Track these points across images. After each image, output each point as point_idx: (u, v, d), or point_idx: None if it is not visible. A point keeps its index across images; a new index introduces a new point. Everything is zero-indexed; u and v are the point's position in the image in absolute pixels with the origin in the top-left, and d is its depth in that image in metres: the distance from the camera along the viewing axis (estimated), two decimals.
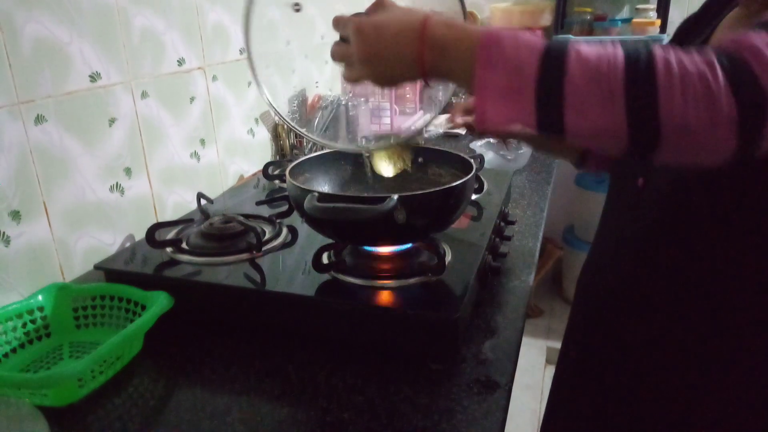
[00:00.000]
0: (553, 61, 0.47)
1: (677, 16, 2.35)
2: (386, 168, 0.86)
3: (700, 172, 0.58)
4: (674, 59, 0.45)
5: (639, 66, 0.45)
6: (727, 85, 0.44)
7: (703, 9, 0.72)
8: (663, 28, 2.15)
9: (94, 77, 0.93)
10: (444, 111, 2.13)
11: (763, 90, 0.44)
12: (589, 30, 2.28)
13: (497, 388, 0.67)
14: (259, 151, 1.44)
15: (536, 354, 2.28)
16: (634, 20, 2.18)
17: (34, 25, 0.82)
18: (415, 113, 2.03)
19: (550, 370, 2.25)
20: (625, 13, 2.35)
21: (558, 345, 2.52)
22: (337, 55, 0.60)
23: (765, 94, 0.44)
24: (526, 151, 1.48)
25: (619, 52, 0.46)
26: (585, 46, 0.47)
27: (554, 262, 2.56)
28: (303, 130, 0.86)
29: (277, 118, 0.82)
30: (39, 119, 0.84)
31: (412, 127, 1.84)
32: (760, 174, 0.55)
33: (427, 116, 1.96)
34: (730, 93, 0.44)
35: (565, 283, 2.62)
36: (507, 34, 0.49)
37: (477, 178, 0.98)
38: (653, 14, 2.19)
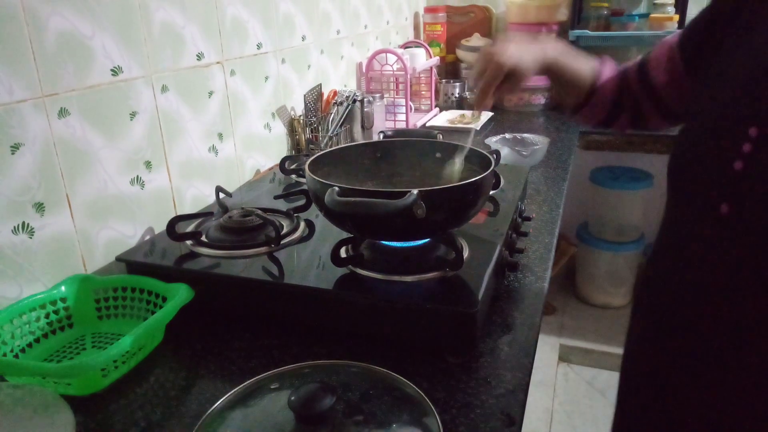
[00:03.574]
0: None
1: (696, 11, 2.33)
2: None
3: None
4: None
5: None
6: None
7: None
8: (681, 24, 2.12)
9: (115, 71, 0.94)
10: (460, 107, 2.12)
11: None
12: (605, 25, 2.26)
13: (515, 383, 0.67)
14: (276, 146, 1.44)
15: (549, 351, 2.28)
16: (652, 15, 2.16)
17: (57, 19, 0.83)
18: (430, 110, 2.03)
19: (563, 368, 2.25)
20: (642, 8, 2.33)
21: (571, 343, 2.50)
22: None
23: None
24: (541, 147, 1.48)
25: None
26: None
27: (568, 259, 2.56)
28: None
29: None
30: (62, 112, 0.86)
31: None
32: None
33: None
34: None
35: (578, 281, 2.61)
36: None
37: (494, 174, 0.98)
38: (671, 9, 2.16)
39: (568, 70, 0.88)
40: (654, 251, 0.77)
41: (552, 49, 0.87)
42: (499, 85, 0.84)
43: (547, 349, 2.28)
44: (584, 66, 0.89)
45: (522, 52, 0.84)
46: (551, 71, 0.88)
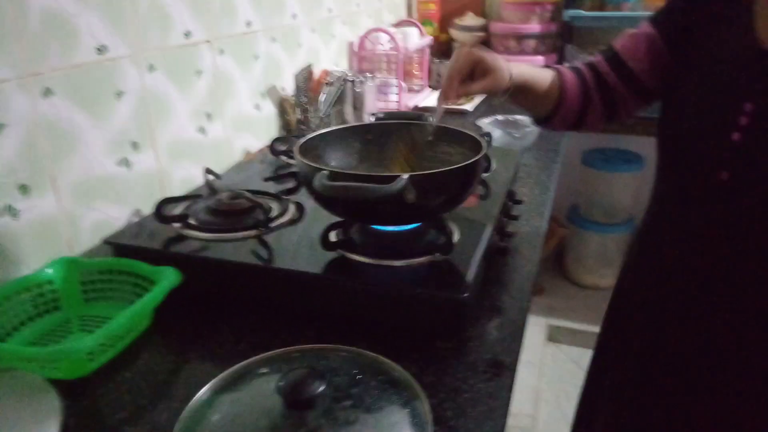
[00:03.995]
0: None
1: None
2: None
3: None
4: None
5: None
6: None
7: None
8: None
9: (101, 50, 0.92)
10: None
11: None
12: (600, 5, 2.24)
13: (503, 368, 0.67)
14: (265, 126, 1.43)
15: (537, 332, 2.30)
16: None
17: None
18: (423, 90, 2.01)
19: (551, 348, 2.27)
20: None
21: (559, 323, 2.51)
22: None
23: None
24: (533, 129, 1.47)
25: None
26: None
27: (558, 241, 2.57)
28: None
29: None
30: (47, 92, 0.84)
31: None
32: None
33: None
34: None
35: (567, 262, 2.63)
36: None
37: (486, 158, 0.98)
38: None
39: (539, 87, 0.89)
40: (647, 221, 0.79)
41: (518, 68, 0.87)
42: (467, 79, 0.83)
43: (535, 329, 2.30)
44: (549, 77, 0.90)
45: (496, 57, 0.84)
46: (523, 89, 0.88)
